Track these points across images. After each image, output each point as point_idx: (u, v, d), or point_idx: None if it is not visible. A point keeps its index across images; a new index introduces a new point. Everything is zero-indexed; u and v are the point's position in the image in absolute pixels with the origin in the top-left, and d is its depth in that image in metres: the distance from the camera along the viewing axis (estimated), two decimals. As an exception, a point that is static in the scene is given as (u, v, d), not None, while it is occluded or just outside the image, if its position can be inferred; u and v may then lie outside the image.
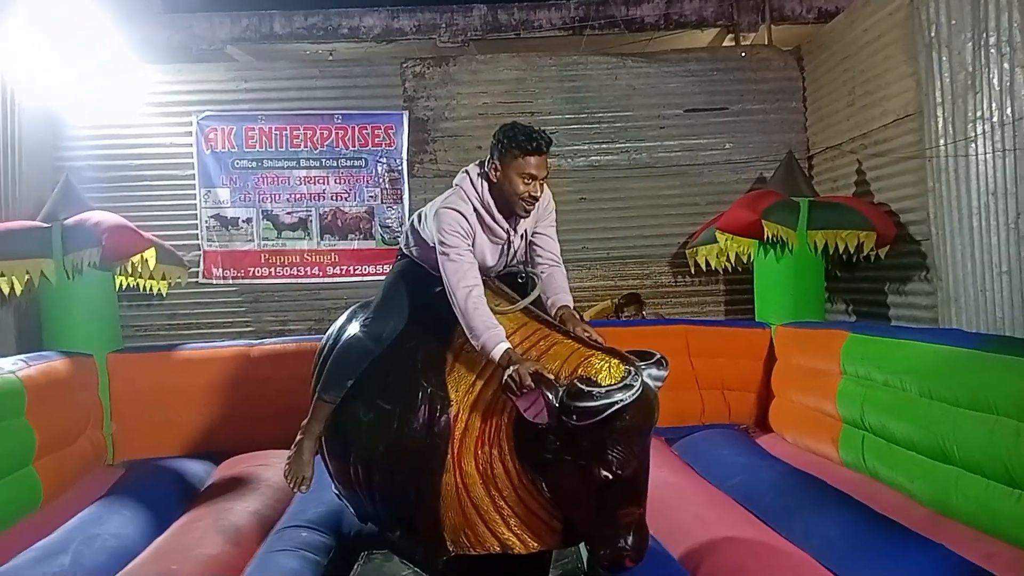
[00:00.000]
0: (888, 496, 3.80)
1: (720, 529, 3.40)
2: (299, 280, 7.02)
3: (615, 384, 2.41)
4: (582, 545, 3.31)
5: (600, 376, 2.48)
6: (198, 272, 6.90)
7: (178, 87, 7.00)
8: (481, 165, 2.92)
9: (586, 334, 2.71)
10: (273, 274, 6.99)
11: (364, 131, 7.03)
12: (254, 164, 6.99)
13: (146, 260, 5.36)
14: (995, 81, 4.65)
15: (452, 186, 2.94)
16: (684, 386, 5.52)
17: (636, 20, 7.02)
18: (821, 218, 5.61)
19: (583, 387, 2.39)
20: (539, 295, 2.96)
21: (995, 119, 4.66)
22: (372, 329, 3.03)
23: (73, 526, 3.74)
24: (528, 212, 2.90)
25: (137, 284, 5.80)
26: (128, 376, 5.37)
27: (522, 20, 6.96)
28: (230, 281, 6.99)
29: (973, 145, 4.80)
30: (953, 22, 4.87)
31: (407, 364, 2.91)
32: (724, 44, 7.54)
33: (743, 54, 7.20)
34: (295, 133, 7.00)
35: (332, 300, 6.93)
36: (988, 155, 4.71)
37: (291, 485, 3.14)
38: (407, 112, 7.07)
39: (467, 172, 2.94)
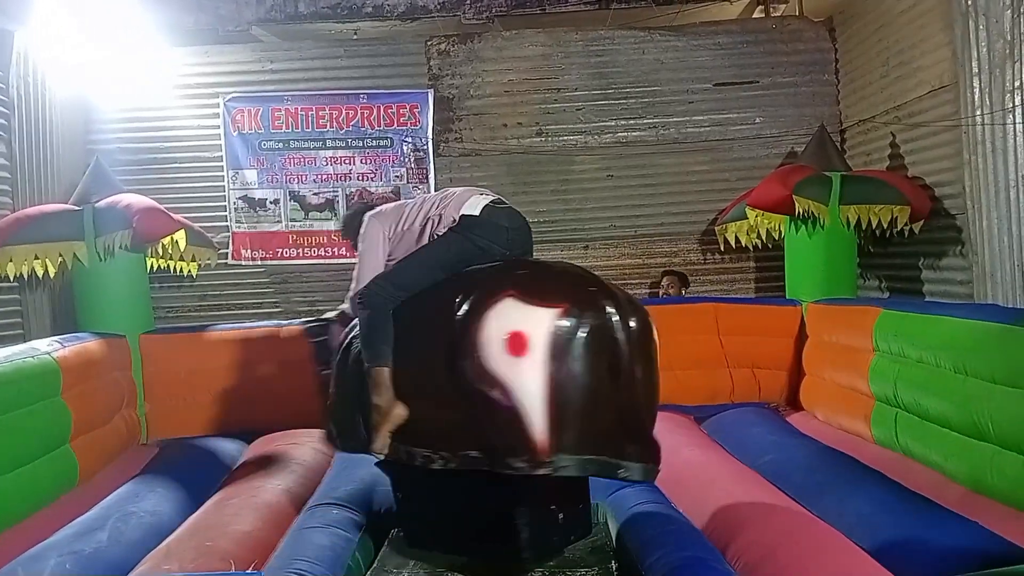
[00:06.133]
0: (922, 474, 3.76)
1: (751, 507, 3.38)
2: (326, 261, 7.04)
3: None
4: (609, 517, 3.34)
5: None
6: (227, 253, 6.96)
7: (205, 69, 7.04)
8: None
9: None
10: (301, 255, 7.03)
11: (389, 110, 7.02)
12: (281, 145, 7.01)
13: (176, 242, 5.41)
14: (1034, 50, 4.52)
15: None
16: (714, 364, 5.49)
17: (663, -7, 6.90)
18: (854, 193, 5.51)
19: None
20: None
21: (1034, 89, 4.54)
22: None
23: (110, 503, 3.82)
24: None
25: (168, 266, 5.86)
26: (160, 356, 5.45)
27: (547, -5, 6.88)
28: (258, 262, 7.04)
29: (1011, 116, 4.67)
30: (991, -11, 4.74)
31: None
32: (754, 16, 7.40)
33: (773, 25, 7.08)
34: (321, 113, 7.00)
35: (359, 280, 6.96)
36: (1027, 126, 4.60)
37: None
38: (432, 90, 7.04)
39: None
